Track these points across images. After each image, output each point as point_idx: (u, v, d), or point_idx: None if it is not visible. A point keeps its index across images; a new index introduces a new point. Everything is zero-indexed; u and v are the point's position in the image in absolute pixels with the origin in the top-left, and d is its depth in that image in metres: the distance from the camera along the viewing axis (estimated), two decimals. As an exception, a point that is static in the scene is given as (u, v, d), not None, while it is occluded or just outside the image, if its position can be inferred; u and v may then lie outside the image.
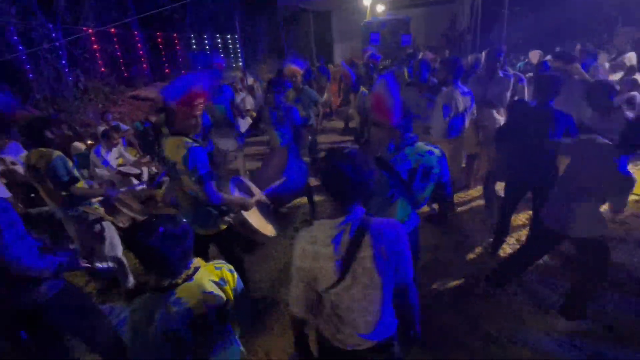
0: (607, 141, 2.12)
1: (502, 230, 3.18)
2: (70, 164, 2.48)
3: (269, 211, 2.74)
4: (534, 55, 6.56)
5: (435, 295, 2.75)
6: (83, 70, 8.92)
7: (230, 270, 1.37)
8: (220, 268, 1.36)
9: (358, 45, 12.44)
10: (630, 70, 5.56)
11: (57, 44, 7.89)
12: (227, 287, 1.32)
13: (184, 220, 1.30)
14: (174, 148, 2.00)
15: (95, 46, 8.79)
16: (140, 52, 10.49)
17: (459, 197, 4.22)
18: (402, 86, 5.16)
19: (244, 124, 7.16)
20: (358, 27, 13.00)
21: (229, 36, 13.63)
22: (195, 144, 1.99)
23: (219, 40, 13.42)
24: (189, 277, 1.27)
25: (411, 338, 1.48)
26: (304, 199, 4.04)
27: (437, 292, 2.79)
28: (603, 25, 10.29)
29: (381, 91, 1.81)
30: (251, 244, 3.45)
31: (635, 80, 5.34)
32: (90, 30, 7.79)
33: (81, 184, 2.52)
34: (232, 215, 2.31)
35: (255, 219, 2.39)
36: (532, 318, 2.48)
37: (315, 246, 1.22)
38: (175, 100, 1.89)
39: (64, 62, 8.03)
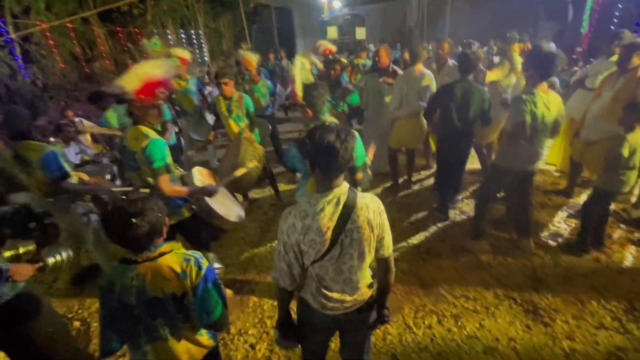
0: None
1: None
2: (62, 159, 2.27)
3: (234, 197, 2.65)
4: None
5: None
6: (40, 68, 8.03)
7: (199, 266, 1.25)
8: (188, 260, 1.25)
9: (319, 40, 12.25)
10: (551, 58, 5.91)
11: (9, 39, 7.00)
12: (187, 281, 1.22)
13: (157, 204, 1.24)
14: (134, 138, 1.90)
15: (50, 42, 7.90)
16: (102, 47, 9.60)
17: (418, 175, 4.34)
18: (364, 74, 5.13)
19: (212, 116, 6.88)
20: (318, 22, 12.76)
21: (193, 31, 12.83)
22: (156, 136, 1.91)
23: (183, 35, 12.60)
24: (152, 259, 1.22)
25: (381, 313, 1.45)
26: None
27: (395, 259, 2.86)
28: (530, 19, 10.86)
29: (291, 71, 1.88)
30: (218, 230, 3.33)
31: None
32: (43, 25, 6.95)
33: (75, 179, 2.34)
34: (195, 203, 2.21)
35: (220, 206, 2.30)
36: (473, 275, 2.63)
37: (305, 220, 1.19)
38: (136, 89, 1.77)
39: (17, 58, 7.14)
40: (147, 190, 1.95)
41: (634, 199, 3.34)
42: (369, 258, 1.30)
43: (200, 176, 2.44)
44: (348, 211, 1.19)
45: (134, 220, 1.14)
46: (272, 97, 4.93)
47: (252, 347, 2.17)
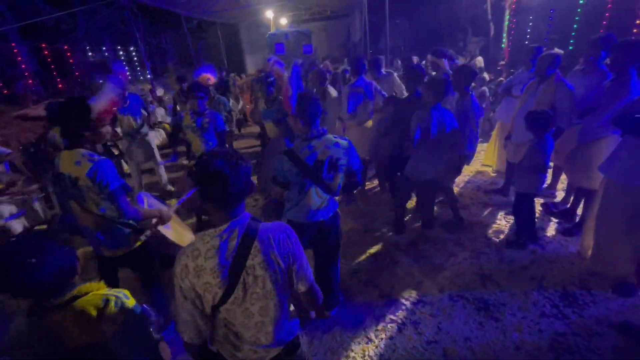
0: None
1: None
2: None
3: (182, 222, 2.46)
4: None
5: (351, 273, 2.80)
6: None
7: (121, 307, 1.10)
8: (108, 301, 1.09)
9: (268, 56, 12.25)
10: (480, 70, 6.53)
11: None
12: (105, 326, 1.07)
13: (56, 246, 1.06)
14: (72, 163, 1.67)
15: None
16: (23, 66, 8.61)
17: (372, 184, 4.42)
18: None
19: (156, 135, 6.49)
20: (265, 39, 12.80)
21: (132, 47, 12.11)
22: (101, 156, 1.71)
23: (121, 53, 11.83)
24: (62, 305, 1.04)
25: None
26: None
27: (353, 269, 2.85)
28: (459, 35, 11.99)
29: (286, 82, 1.83)
30: (169, 258, 3.07)
31: (484, 79, 6.27)
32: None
33: None
34: (147, 232, 1.99)
35: (172, 232, 2.11)
36: (429, 279, 2.70)
37: (198, 260, 1.04)
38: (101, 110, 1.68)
39: None
40: (43, 227, 1.72)
41: (559, 195, 3.71)
42: (283, 295, 1.15)
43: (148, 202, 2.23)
44: (247, 245, 1.06)
45: (33, 260, 0.96)
46: (229, 114, 4.78)
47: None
